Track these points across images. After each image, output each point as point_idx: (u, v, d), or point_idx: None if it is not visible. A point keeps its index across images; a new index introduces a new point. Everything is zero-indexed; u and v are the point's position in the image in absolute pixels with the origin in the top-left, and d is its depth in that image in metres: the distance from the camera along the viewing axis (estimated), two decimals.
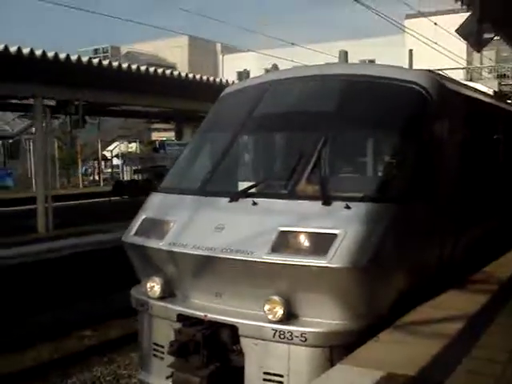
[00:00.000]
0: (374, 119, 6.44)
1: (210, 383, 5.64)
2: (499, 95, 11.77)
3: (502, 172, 9.63)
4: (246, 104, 7.22)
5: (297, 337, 5.28)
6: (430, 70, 7.47)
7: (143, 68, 13.41)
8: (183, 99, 16.77)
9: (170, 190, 6.94)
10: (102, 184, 37.41)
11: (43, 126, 12.51)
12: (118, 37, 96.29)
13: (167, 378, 5.98)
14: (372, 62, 42.20)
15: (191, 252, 5.81)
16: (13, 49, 11.11)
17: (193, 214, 6.20)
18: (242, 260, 5.47)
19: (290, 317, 5.41)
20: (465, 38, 6.50)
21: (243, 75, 48.69)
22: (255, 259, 5.40)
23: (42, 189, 12.30)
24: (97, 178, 41.61)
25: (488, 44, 7.59)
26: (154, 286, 6.27)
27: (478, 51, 10.84)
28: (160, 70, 13.89)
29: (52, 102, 14.32)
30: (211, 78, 16.35)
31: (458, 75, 28.07)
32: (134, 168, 21.33)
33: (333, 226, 5.34)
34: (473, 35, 6.33)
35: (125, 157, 24.97)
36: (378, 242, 5.40)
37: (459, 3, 7.25)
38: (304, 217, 5.53)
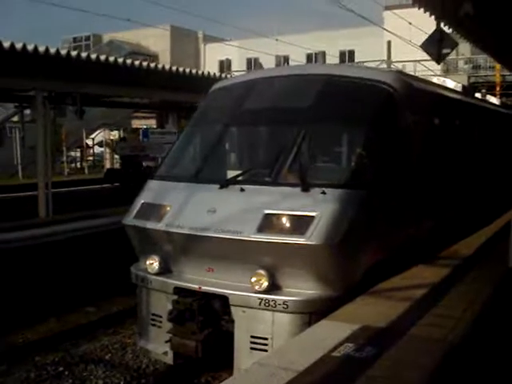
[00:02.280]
0: (347, 115, 7.20)
1: (204, 346, 6.52)
2: (467, 89, 12.61)
3: (465, 161, 10.48)
4: (234, 100, 8.00)
5: (280, 304, 6.12)
6: (400, 71, 8.32)
7: (137, 63, 14.25)
8: (171, 91, 17.50)
9: (165, 178, 7.71)
10: (86, 172, 37.84)
11: (42, 117, 13.18)
12: (99, 24, 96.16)
13: (166, 342, 6.81)
14: (351, 52, 42.85)
15: (187, 232, 6.60)
16: (18, 45, 11.84)
17: (187, 199, 6.96)
18: (233, 239, 6.28)
19: (273, 287, 6.25)
20: (427, 53, 7.38)
21: (225, 64, 49.52)
22: (244, 238, 6.22)
23: (42, 176, 13.00)
24: (79, 165, 41.99)
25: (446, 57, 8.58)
26: (153, 263, 7.03)
27: (438, 63, 12.01)
28: (153, 65, 14.75)
29: (45, 93, 14.94)
30: (205, 72, 17.31)
31: (435, 66, 28.74)
32: (126, 156, 21.72)
33: (311, 210, 6.17)
34: (434, 50, 7.18)
35: (118, 144, 25.22)
36: (349, 224, 6.24)
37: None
38: (286, 201, 6.37)
